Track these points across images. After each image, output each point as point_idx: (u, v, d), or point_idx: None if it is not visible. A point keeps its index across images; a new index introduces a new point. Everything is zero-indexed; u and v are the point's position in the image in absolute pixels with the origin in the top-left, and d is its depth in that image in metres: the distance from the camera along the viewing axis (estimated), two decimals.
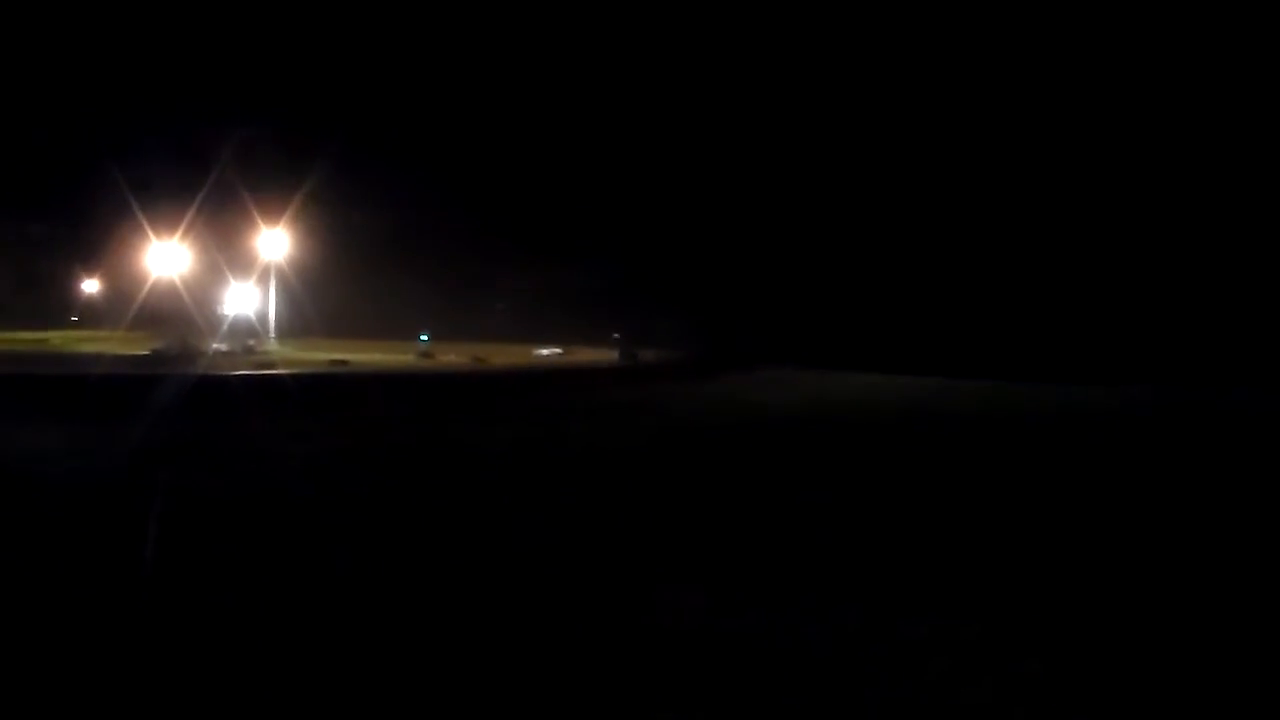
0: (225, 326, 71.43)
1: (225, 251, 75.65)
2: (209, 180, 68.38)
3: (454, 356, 69.16)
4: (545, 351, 72.50)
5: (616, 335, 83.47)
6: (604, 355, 73.24)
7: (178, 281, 72.38)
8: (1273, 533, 12.23)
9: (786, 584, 8.91)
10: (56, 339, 71.29)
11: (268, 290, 78.76)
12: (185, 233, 72.38)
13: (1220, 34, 69.36)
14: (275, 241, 77.54)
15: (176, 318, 66.91)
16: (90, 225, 76.61)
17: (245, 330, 73.06)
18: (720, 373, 55.40)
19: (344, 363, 58.43)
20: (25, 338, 68.33)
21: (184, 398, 29.82)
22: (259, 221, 76.04)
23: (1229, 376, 48.28)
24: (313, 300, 76.68)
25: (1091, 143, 76.34)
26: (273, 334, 76.91)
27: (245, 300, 77.65)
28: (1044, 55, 77.82)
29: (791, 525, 12.11)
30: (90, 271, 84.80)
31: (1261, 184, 68.41)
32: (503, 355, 71.18)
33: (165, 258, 73.57)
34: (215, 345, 64.07)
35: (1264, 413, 32.20)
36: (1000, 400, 38.37)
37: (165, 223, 71.79)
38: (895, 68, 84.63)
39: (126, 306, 71.28)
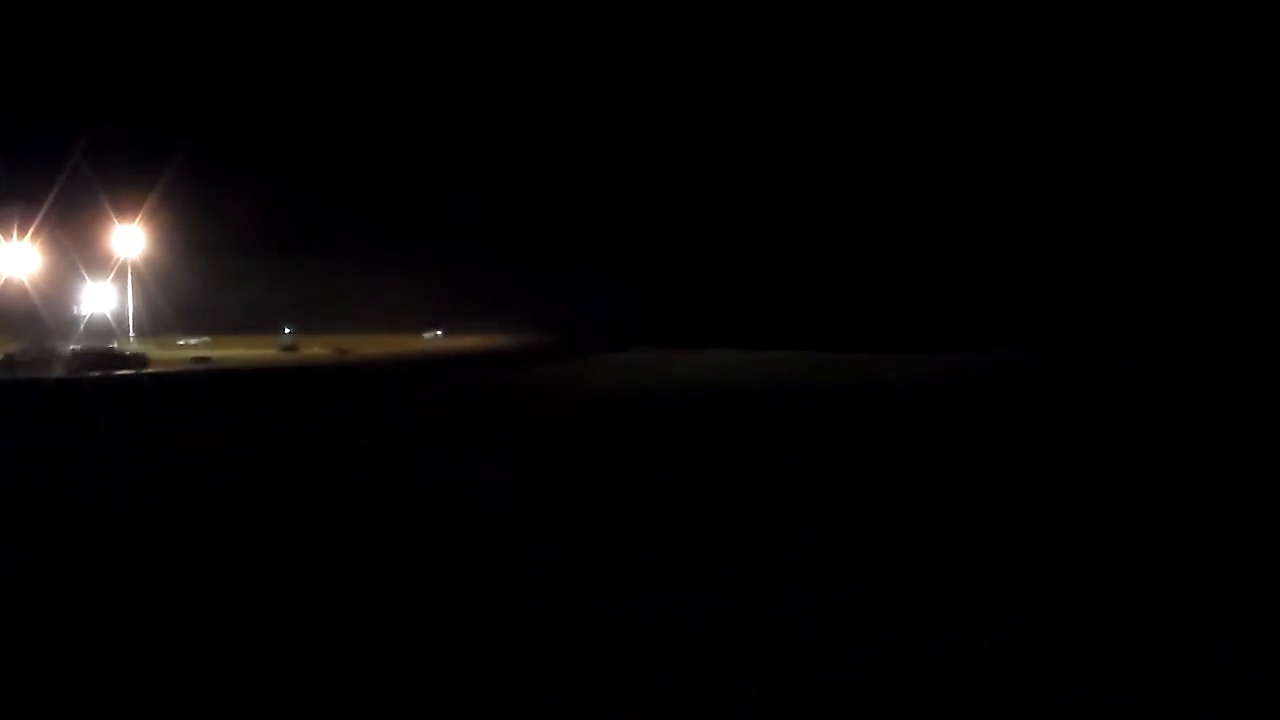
0: (81, 327, 70.09)
1: (79, 250, 74.18)
2: (60, 178, 67.18)
3: (318, 349, 69.56)
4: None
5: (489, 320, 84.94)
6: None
7: (29, 283, 70.69)
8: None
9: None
10: None
11: (125, 289, 77.46)
12: (36, 232, 70.79)
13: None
14: (131, 239, 76.24)
15: (29, 320, 65.32)
16: None
17: (103, 331, 71.81)
18: (573, 356, 57.35)
19: (206, 360, 58.45)
20: None
21: (42, 402, 30.44)
22: (113, 219, 74.79)
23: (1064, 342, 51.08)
24: (172, 297, 75.91)
25: (934, 126, 79.83)
26: (131, 333, 75.73)
27: (102, 300, 76.23)
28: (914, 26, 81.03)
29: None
30: None
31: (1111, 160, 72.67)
32: (369, 346, 71.94)
33: (15, 258, 71.72)
34: (71, 347, 62.93)
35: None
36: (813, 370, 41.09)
37: (14, 222, 70.14)
38: (747, 56, 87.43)
39: None
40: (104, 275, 76.18)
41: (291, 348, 70.72)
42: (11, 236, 70.92)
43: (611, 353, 58.92)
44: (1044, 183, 75.51)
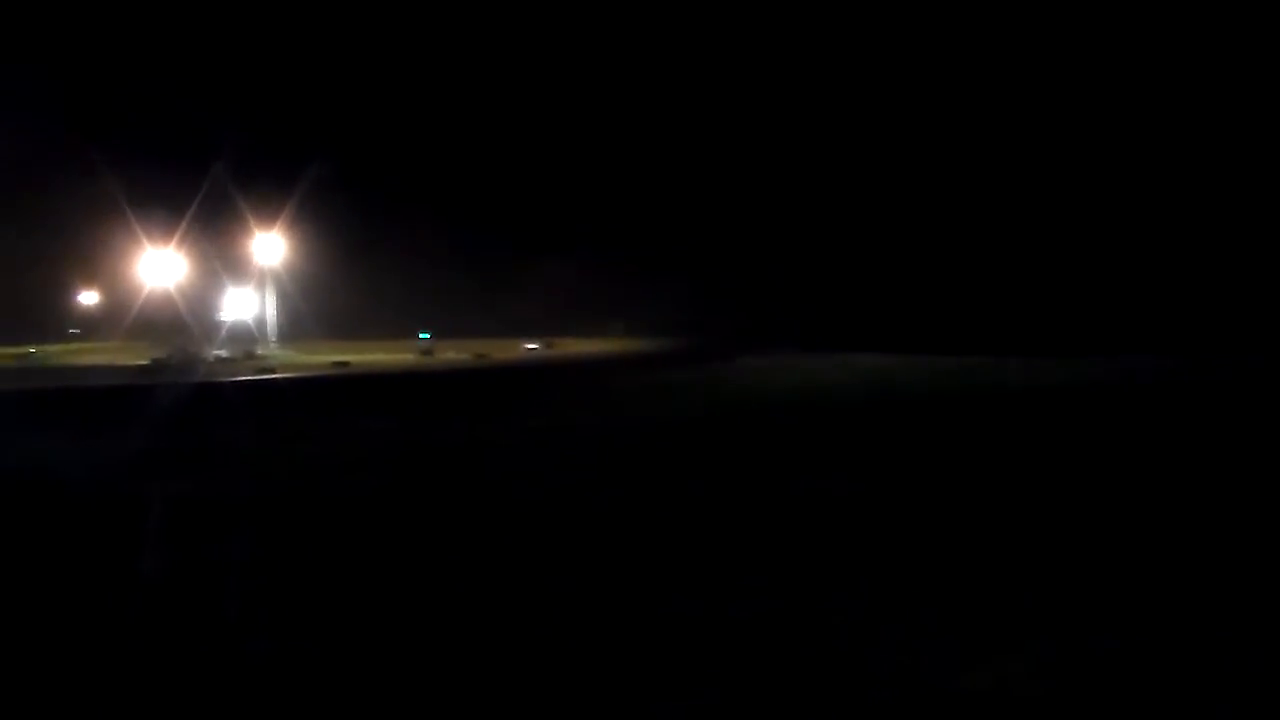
0: (224, 333, 71.04)
1: (221, 257, 75.29)
2: (203, 187, 67.99)
3: (454, 354, 68.88)
4: (532, 345, 75.08)
5: (620, 324, 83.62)
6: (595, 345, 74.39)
7: (174, 289, 71.97)
8: None
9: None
10: (41, 352, 69.71)
11: (265, 295, 78.35)
12: (180, 240, 72.01)
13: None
14: (271, 246, 77.11)
15: (175, 326, 66.49)
16: (85, 236, 76.21)
17: (244, 336, 72.68)
18: (719, 359, 55.07)
19: (345, 364, 58.24)
20: (7, 352, 66.22)
21: (188, 405, 29.76)
22: (254, 226, 75.70)
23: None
24: (311, 303, 76.38)
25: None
26: (272, 338, 76.52)
27: (243, 305, 77.25)
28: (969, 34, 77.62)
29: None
30: (87, 283, 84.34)
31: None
32: (503, 351, 71.08)
33: (161, 266, 73.17)
34: (215, 352, 63.76)
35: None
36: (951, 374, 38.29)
37: (160, 231, 71.51)
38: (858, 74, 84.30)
39: (124, 316, 70.91)
40: (246, 282, 77.19)
41: (428, 353, 70.30)
42: (158, 244, 72.39)
43: (759, 356, 56.59)
44: (1172, 194, 71.06)
